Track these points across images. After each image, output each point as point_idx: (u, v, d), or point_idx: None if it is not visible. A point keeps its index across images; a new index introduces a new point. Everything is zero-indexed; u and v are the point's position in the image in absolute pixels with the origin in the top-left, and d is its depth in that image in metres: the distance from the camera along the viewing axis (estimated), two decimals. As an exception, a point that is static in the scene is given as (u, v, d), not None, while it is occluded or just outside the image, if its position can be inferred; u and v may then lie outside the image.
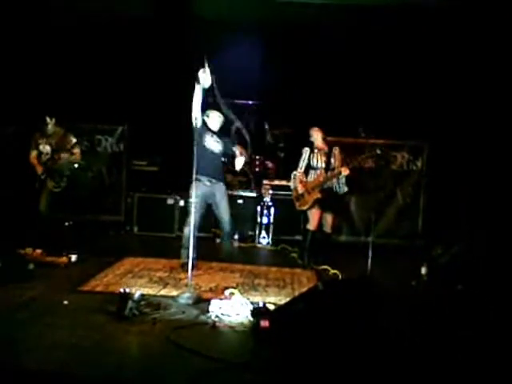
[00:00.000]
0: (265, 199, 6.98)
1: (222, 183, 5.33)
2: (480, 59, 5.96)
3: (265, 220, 6.89)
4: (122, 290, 3.78)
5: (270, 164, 7.77)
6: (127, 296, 3.72)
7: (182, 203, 6.99)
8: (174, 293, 4.34)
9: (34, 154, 5.92)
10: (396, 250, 6.48)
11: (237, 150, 5.26)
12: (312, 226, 5.59)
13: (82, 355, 3.10)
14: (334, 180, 5.56)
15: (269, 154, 7.80)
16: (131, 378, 2.93)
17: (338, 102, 6.88)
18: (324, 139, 5.67)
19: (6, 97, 6.49)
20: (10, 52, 6.43)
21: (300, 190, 5.65)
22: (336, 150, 5.65)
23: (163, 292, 4.40)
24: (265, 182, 7.18)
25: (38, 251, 5.27)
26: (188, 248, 4.42)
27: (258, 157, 7.72)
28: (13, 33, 6.23)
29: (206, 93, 4.68)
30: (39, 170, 5.86)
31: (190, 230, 4.74)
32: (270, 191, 7.03)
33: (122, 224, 7.31)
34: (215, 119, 5.28)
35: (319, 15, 6.30)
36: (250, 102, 8.03)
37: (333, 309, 3.51)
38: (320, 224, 5.61)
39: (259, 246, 6.88)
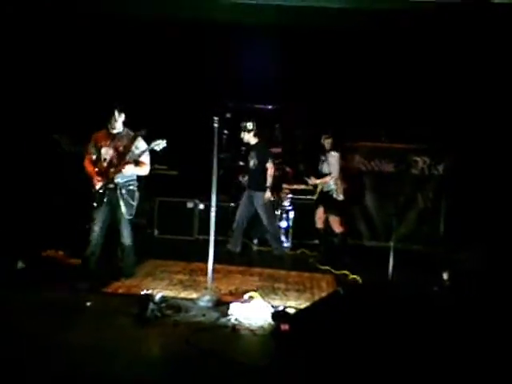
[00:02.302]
0: (284, 203, 6.97)
1: (258, 192, 6.06)
2: (505, 65, 5.87)
3: (284, 224, 6.87)
4: (143, 292, 3.83)
5: (288, 168, 7.78)
6: (148, 298, 3.76)
7: (201, 207, 7.03)
8: (194, 295, 4.37)
9: (89, 158, 4.64)
10: (417, 255, 6.40)
11: (269, 166, 6.11)
12: (317, 223, 6.15)
13: (103, 356, 3.14)
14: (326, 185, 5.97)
15: (287, 158, 7.80)
16: (152, 380, 2.96)
17: (359, 105, 6.85)
18: (326, 142, 6.02)
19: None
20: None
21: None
22: (331, 157, 5.88)
23: (183, 294, 4.43)
24: (284, 186, 7.18)
25: (60, 253, 5.36)
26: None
27: (276, 161, 7.73)
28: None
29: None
30: (99, 180, 4.49)
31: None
32: (289, 195, 7.03)
33: (143, 227, 7.38)
34: (246, 135, 6.11)
35: (339, 19, 6.27)
36: (269, 107, 8.05)
37: (353, 313, 3.49)
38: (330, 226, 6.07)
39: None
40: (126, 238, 4.60)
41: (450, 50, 6.13)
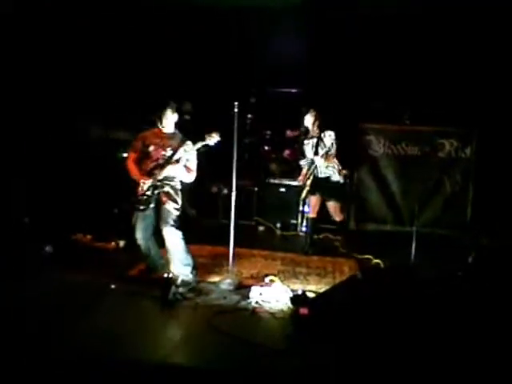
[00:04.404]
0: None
1: None
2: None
3: (307, 209, 6.86)
4: (166, 275, 3.92)
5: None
6: (171, 281, 3.85)
7: (225, 191, 7.08)
8: (217, 279, 4.44)
9: (133, 157, 4.27)
10: (443, 240, 6.30)
11: None
12: (310, 213, 5.78)
13: (125, 338, 3.25)
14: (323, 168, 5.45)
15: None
16: (173, 361, 3.04)
17: (384, 87, 6.71)
18: (315, 123, 5.49)
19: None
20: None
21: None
22: (328, 136, 5.32)
23: (206, 278, 4.50)
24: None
25: (88, 237, 5.53)
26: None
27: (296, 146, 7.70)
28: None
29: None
30: (146, 180, 4.13)
31: None
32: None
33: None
34: None
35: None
36: (294, 90, 7.98)
37: (372, 297, 3.50)
38: (329, 213, 5.67)
39: (301, 234, 6.88)
40: (170, 240, 4.15)
41: (479, 32, 5.94)
